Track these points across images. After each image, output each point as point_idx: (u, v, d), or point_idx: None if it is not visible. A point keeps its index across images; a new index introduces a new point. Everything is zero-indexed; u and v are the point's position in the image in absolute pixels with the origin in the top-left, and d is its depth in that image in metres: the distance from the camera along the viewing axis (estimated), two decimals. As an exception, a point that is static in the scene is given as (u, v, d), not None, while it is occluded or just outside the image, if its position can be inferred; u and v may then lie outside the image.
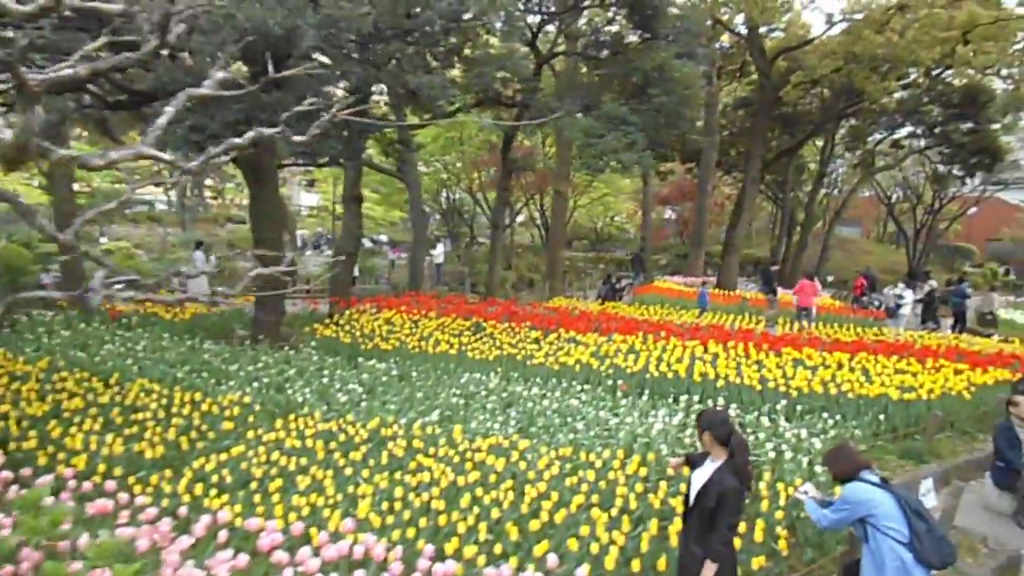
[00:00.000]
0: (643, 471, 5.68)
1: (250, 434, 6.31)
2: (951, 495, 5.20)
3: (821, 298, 17.14)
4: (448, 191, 34.21)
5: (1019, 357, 10.65)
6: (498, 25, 11.19)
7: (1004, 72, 18.75)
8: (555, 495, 5.08)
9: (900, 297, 14.81)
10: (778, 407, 7.77)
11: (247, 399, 7.28)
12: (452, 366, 9.53)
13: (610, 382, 8.76)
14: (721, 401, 8.00)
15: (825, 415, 7.63)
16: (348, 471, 5.52)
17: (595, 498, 5.15)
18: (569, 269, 36.16)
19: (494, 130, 15.08)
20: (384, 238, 34.49)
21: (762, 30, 20.41)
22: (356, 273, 18.70)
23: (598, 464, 5.69)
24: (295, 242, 22.26)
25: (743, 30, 20.71)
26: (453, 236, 32.76)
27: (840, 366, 9.28)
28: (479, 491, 5.09)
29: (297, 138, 4.95)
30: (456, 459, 5.85)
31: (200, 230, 31.96)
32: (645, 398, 8.10)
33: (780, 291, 18.95)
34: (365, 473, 5.51)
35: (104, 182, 26.74)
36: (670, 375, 8.73)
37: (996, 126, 27.39)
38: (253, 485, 5.22)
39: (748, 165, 22.03)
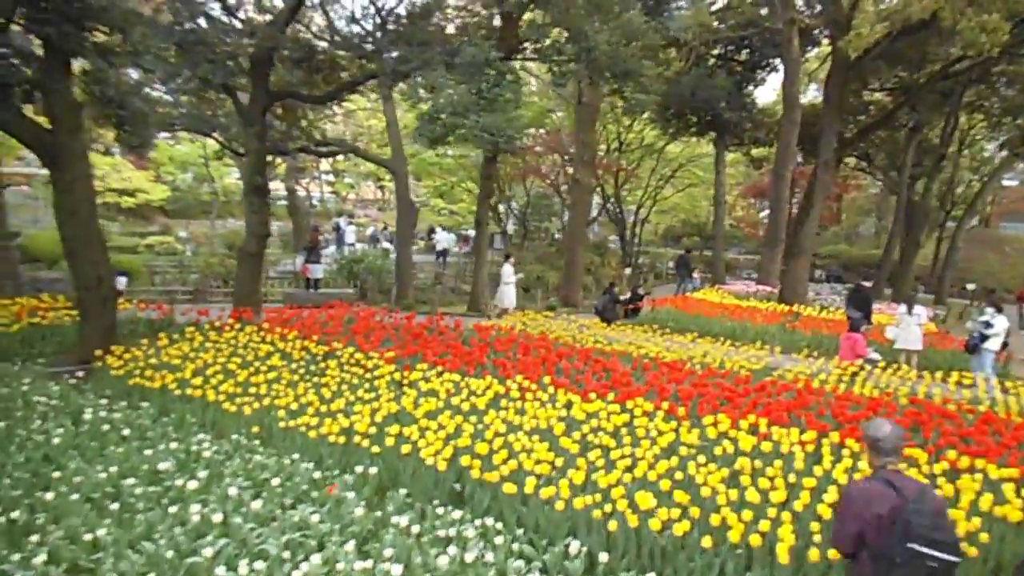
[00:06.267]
0: None
1: None
2: None
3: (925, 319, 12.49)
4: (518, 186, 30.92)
5: None
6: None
7: None
8: None
9: (987, 326, 10.12)
10: (572, 552, 4.30)
11: None
12: (192, 420, 6.78)
13: (360, 468, 5.58)
14: (499, 525, 4.65)
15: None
16: None
17: None
18: (649, 270, 32.28)
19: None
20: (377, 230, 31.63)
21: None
22: (319, 275, 16.43)
23: None
24: (305, 237, 20.32)
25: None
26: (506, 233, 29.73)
27: (776, 453, 5.51)
28: None
29: None
30: None
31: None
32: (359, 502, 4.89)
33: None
34: None
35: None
36: (441, 465, 5.42)
37: None
38: None
39: (819, 146, 17.27)
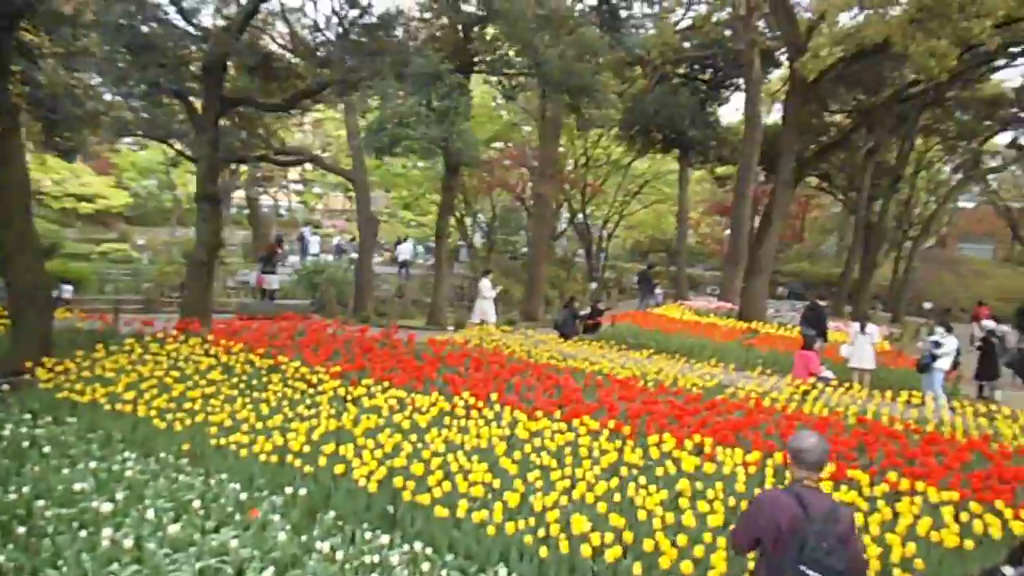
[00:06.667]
0: None
1: None
2: None
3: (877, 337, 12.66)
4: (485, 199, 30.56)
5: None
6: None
7: None
8: None
9: (936, 345, 10.25)
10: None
11: None
12: (119, 437, 6.49)
13: (296, 489, 5.36)
14: (429, 550, 4.47)
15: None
16: None
17: None
18: (614, 285, 32.31)
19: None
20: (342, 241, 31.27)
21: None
22: (275, 286, 16.11)
23: None
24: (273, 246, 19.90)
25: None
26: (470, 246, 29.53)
27: (719, 474, 5.40)
28: None
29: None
30: None
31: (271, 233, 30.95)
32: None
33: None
34: None
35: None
36: (372, 487, 5.23)
37: None
38: None
39: (778, 165, 17.50)
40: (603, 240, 33.45)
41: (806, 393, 9.53)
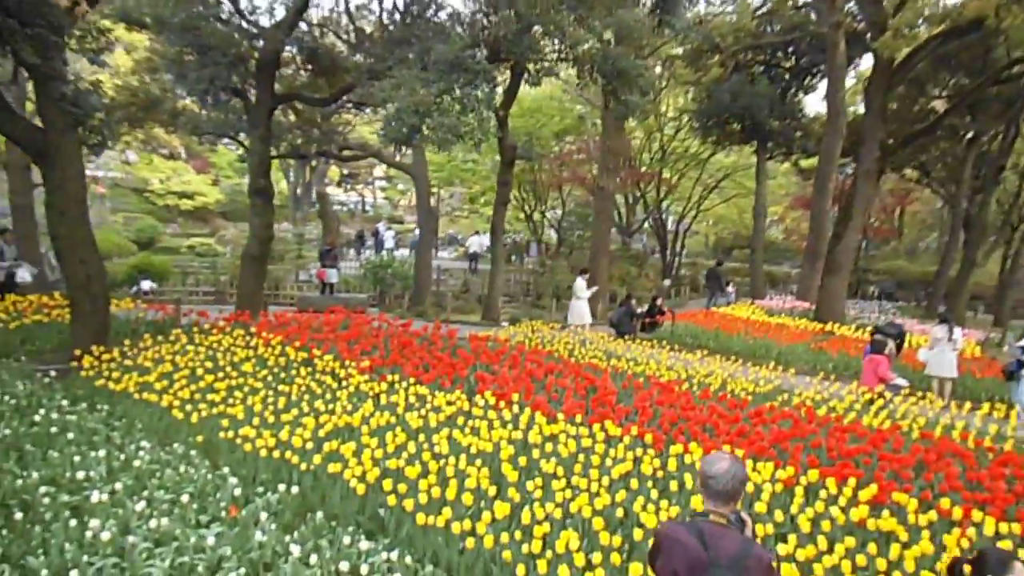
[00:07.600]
0: None
1: None
2: None
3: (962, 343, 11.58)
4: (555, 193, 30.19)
5: None
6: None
7: None
8: None
9: (1025, 352, 9.15)
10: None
11: None
12: (139, 426, 6.60)
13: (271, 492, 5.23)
14: (408, 559, 4.24)
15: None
16: None
17: None
18: (688, 282, 31.19)
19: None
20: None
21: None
22: (334, 280, 16.32)
23: None
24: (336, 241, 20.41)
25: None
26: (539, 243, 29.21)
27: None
28: None
29: None
30: None
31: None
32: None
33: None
34: None
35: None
36: (360, 488, 5.03)
37: None
38: None
39: (860, 155, 16.21)
40: (680, 236, 32.37)
41: (870, 402, 8.72)
